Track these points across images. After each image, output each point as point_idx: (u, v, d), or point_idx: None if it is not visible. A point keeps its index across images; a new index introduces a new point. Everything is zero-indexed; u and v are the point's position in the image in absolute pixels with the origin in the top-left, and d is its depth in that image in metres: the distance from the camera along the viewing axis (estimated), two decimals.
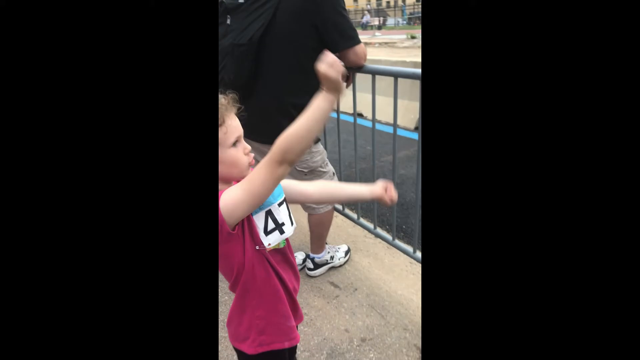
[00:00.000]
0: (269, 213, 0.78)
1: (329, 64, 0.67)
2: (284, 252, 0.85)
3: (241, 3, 1.41)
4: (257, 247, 0.77)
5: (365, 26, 25.81)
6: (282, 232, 0.79)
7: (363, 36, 1.51)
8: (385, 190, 0.91)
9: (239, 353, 0.88)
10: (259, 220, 0.77)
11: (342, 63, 0.71)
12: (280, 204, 0.80)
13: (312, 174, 1.60)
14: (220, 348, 1.42)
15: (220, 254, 0.73)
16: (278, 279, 0.83)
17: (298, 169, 1.58)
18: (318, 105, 0.67)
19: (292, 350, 1.06)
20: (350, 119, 1.74)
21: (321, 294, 1.73)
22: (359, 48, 1.44)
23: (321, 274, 1.84)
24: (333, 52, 1.48)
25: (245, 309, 0.83)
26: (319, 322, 1.57)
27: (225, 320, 0.88)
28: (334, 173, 1.68)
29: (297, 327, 0.93)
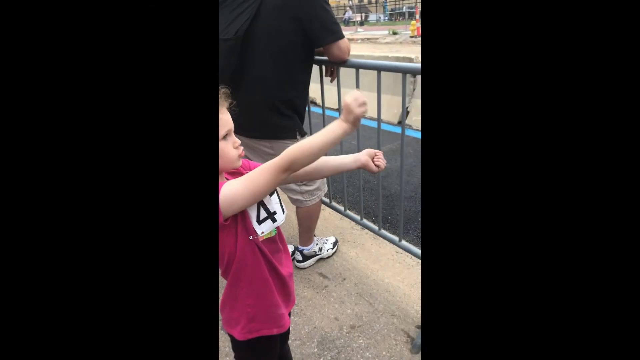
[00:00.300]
0: (261, 203, 0.81)
1: (354, 98, 0.72)
2: (275, 240, 0.88)
3: None
4: (251, 237, 0.80)
5: (347, 22, 25.83)
6: (274, 220, 0.83)
7: (345, 32, 1.55)
8: (372, 158, 0.91)
9: (231, 337, 0.91)
10: (251, 210, 0.80)
11: (360, 97, 0.73)
12: (271, 194, 0.83)
13: None
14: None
15: None
16: (269, 268, 0.86)
17: None
18: (332, 129, 0.74)
19: (284, 338, 1.09)
20: (336, 114, 1.77)
21: (310, 284, 1.77)
22: (343, 42, 1.46)
23: (310, 266, 1.88)
24: (317, 46, 1.51)
25: (237, 297, 0.85)
26: (309, 312, 1.60)
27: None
28: None
29: (289, 313, 0.97)
